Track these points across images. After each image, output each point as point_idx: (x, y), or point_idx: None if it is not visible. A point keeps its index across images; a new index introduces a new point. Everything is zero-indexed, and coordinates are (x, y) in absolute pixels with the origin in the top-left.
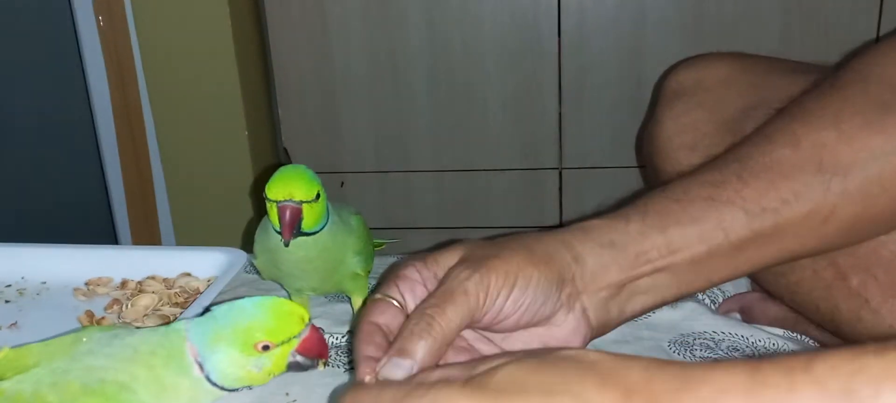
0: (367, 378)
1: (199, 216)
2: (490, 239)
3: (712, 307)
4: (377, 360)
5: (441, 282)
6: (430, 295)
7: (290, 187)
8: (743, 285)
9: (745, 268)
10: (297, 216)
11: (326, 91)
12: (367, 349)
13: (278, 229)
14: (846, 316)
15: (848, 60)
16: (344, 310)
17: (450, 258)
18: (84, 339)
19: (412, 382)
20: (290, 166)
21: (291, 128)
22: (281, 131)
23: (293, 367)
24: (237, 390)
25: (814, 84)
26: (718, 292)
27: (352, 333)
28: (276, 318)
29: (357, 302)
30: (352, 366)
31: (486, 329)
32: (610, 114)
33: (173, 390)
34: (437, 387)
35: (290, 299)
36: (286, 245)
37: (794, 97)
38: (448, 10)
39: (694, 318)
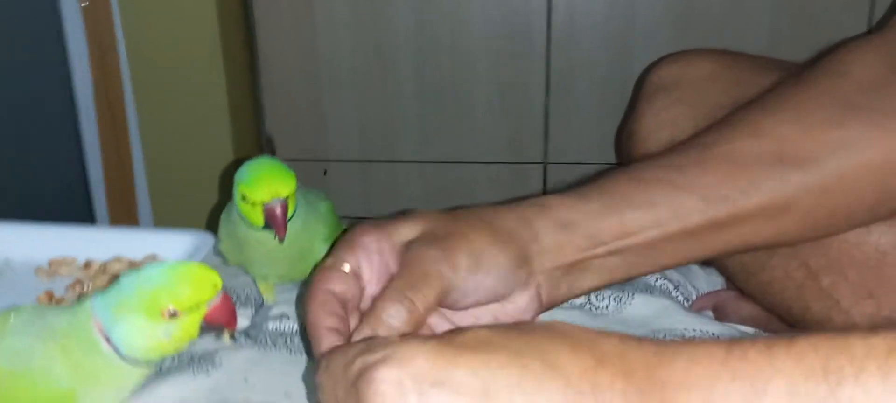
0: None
1: (178, 198)
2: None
3: (685, 304)
4: (338, 331)
5: (407, 260)
6: (403, 274)
7: (275, 185)
8: (717, 283)
9: (698, 254)
10: (284, 212)
11: (311, 78)
12: (326, 319)
13: (263, 226)
14: (817, 316)
15: (821, 56)
16: None
17: (408, 230)
18: (11, 319)
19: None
20: (261, 161)
21: (275, 114)
22: (264, 117)
23: (206, 330)
24: (154, 362)
25: (784, 79)
26: (692, 289)
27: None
28: (184, 284)
29: None
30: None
31: (441, 305)
32: (597, 110)
33: (92, 371)
34: (400, 341)
35: (256, 284)
36: (282, 242)
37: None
38: (436, 0)
39: (667, 315)
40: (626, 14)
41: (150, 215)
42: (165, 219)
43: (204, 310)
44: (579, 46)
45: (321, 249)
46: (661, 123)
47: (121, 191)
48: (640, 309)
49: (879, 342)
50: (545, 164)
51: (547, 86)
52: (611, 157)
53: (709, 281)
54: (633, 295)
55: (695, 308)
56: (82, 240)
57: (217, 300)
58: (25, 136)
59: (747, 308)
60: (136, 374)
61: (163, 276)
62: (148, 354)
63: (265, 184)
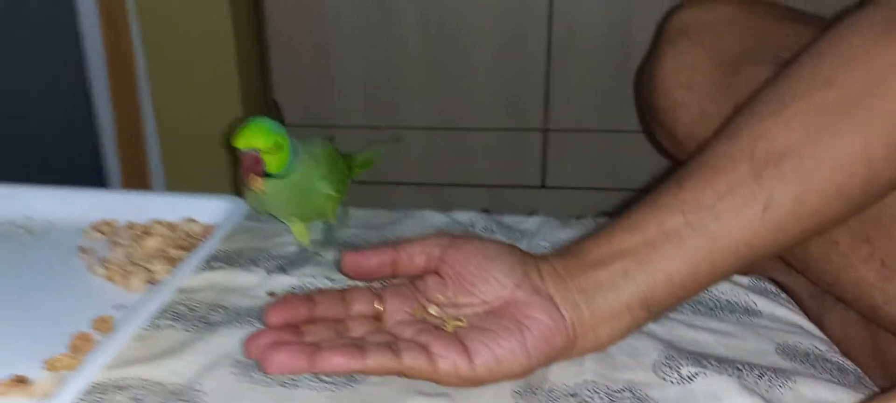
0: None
1: (188, 165)
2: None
3: None
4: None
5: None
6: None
7: (250, 137)
8: None
9: None
10: (255, 163)
11: (318, 44)
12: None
13: None
14: (816, 257)
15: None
16: None
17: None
18: None
19: None
20: (253, 119)
21: (282, 80)
22: (272, 84)
23: None
24: None
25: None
26: None
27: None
28: None
29: (331, 220)
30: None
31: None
32: (597, 77)
33: None
34: None
35: (290, 231)
36: (251, 190)
37: (793, 47)
38: None
39: None
40: None
41: (163, 183)
42: (177, 187)
43: None
44: (580, 11)
45: (322, 185)
46: (679, 66)
47: (133, 156)
48: None
49: None
50: (545, 131)
51: (548, 53)
52: (610, 124)
53: None
54: None
55: None
56: (121, 204)
57: None
58: (37, 106)
59: None
60: None
61: None
62: None
63: (242, 135)
